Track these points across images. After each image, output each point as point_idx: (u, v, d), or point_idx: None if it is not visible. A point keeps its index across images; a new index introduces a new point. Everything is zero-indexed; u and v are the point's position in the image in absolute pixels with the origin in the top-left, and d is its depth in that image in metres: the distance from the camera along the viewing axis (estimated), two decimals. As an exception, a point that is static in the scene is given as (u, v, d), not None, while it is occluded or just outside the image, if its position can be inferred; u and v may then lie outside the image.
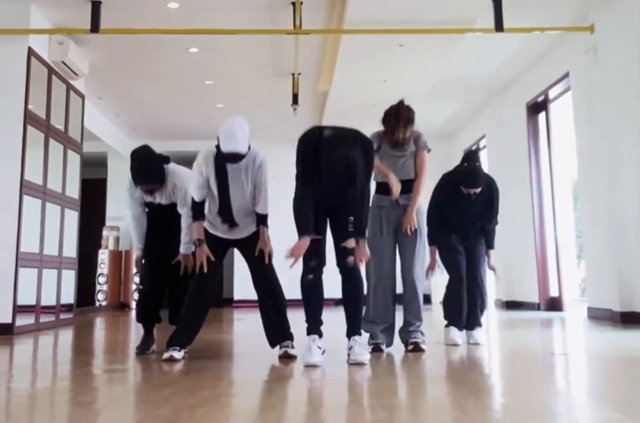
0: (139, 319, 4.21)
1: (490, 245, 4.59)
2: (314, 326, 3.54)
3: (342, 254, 3.55)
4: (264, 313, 3.91)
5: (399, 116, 4.05)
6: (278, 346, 3.81)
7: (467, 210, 4.45)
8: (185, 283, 3.93)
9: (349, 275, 3.59)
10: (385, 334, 4.12)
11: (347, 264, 3.54)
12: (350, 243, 3.53)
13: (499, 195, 4.57)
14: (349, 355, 3.47)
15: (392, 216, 4.17)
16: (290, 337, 3.82)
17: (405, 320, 4.13)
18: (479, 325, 4.49)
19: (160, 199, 4.11)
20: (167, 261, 4.09)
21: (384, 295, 4.11)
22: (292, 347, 3.75)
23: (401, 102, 4.12)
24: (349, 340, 3.54)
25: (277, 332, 3.85)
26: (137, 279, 10.77)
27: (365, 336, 3.81)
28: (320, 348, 3.47)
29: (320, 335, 3.53)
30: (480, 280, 4.51)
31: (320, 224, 3.59)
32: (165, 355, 3.64)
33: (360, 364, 3.39)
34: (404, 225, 4.09)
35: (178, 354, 3.64)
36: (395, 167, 4.16)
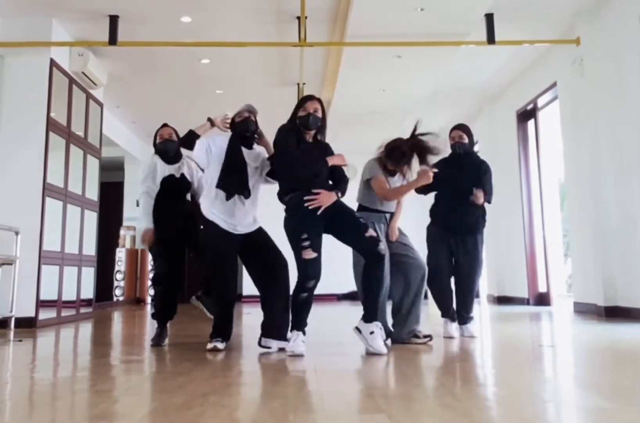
0: (156, 316, 4.19)
1: (483, 188, 4.43)
2: (298, 325, 3.51)
3: (368, 241, 3.45)
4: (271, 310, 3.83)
5: (405, 156, 4.06)
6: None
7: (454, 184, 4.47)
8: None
9: (378, 260, 3.45)
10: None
11: (371, 238, 3.45)
12: (372, 232, 3.50)
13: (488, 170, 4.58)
14: (367, 340, 3.46)
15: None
16: (284, 338, 3.73)
17: (410, 326, 4.06)
18: (471, 319, 4.49)
19: (179, 170, 4.33)
20: (182, 251, 4.18)
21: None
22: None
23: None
24: (369, 323, 3.48)
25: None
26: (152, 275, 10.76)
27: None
28: (303, 342, 3.48)
29: (304, 333, 3.51)
30: (473, 278, 4.47)
31: (317, 240, 3.49)
32: (209, 346, 3.70)
33: (379, 354, 3.41)
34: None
35: (221, 345, 3.73)
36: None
